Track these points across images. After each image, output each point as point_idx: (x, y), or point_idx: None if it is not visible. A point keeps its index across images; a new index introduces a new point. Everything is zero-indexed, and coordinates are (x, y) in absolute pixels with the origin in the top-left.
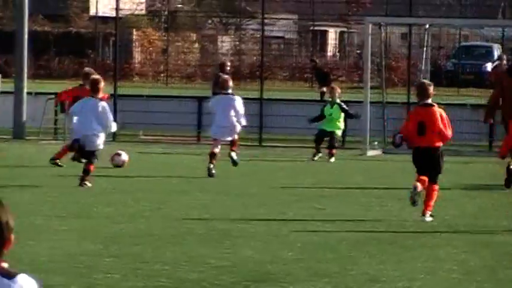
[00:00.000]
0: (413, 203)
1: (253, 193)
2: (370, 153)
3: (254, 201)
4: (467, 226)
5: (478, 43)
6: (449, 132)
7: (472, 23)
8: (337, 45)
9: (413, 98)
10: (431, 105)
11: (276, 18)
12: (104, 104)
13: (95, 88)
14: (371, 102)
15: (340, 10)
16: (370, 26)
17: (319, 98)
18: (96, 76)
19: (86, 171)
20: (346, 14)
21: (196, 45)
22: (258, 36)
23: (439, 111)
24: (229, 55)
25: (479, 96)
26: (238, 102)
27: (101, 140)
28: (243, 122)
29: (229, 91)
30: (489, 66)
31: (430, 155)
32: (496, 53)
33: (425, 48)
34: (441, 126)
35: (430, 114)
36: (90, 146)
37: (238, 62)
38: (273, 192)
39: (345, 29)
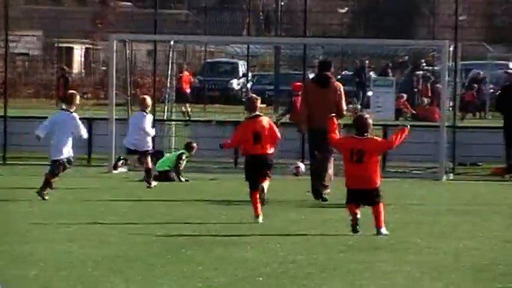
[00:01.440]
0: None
1: None
2: (116, 170)
3: None
4: (212, 242)
5: (224, 60)
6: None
7: (217, 39)
8: (83, 62)
9: (159, 115)
10: (259, 115)
11: (20, 35)
12: None
13: None
14: (116, 119)
15: (86, 27)
16: (115, 42)
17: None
18: None
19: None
20: (92, 31)
21: None
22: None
23: (268, 119)
24: None
25: (225, 113)
26: None
27: None
28: None
29: None
30: (235, 83)
31: (264, 160)
32: (241, 69)
33: (170, 65)
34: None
35: (263, 124)
36: None
37: None
38: (15, 211)
39: (91, 46)
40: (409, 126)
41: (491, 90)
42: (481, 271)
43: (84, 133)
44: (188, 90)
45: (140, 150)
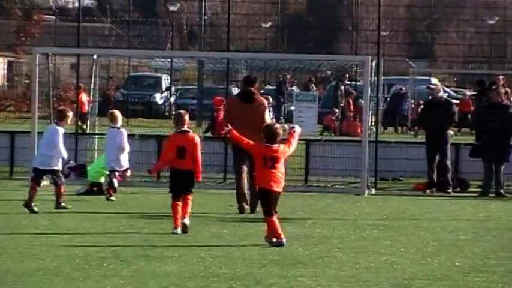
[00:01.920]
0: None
1: None
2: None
3: None
4: (134, 256)
5: (147, 73)
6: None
7: (141, 53)
8: (6, 75)
9: (72, 128)
10: (187, 131)
11: None
12: None
13: None
14: (39, 133)
15: (9, 39)
16: (38, 56)
17: None
18: None
19: None
20: (15, 44)
21: None
22: None
23: (195, 136)
24: None
25: (148, 127)
26: None
27: None
28: None
29: None
30: (158, 97)
31: (188, 176)
32: (164, 83)
33: (93, 79)
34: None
35: (190, 140)
36: None
37: None
38: None
39: (14, 59)
40: (297, 128)
41: (413, 105)
42: (401, 286)
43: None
44: (87, 109)
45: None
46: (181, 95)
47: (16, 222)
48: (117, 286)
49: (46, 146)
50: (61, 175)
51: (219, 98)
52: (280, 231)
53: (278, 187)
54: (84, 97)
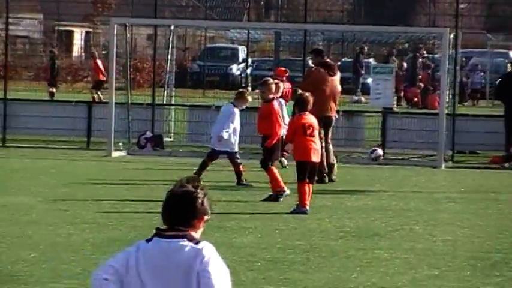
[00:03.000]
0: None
1: None
2: (115, 154)
3: None
4: (210, 228)
5: (224, 45)
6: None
7: (218, 24)
8: (83, 46)
9: (159, 99)
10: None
11: (21, 18)
12: None
13: None
14: (116, 103)
15: (86, 10)
16: (116, 26)
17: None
18: None
19: None
20: (92, 15)
21: None
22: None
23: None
24: None
25: (224, 98)
26: None
27: None
28: None
29: None
30: (234, 68)
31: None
32: (241, 54)
33: (170, 50)
34: None
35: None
36: None
37: None
38: (16, 193)
39: (91, 30)
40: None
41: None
42: (478, 259)
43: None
44: (103, 79)
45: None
46: (257, 66)
47: (93, 193)
48: None
49: (220, 126)
50: (238, 156)
51: (282, 68)
52: (307, 199)
53: (317, 158)
54: (99, 64)
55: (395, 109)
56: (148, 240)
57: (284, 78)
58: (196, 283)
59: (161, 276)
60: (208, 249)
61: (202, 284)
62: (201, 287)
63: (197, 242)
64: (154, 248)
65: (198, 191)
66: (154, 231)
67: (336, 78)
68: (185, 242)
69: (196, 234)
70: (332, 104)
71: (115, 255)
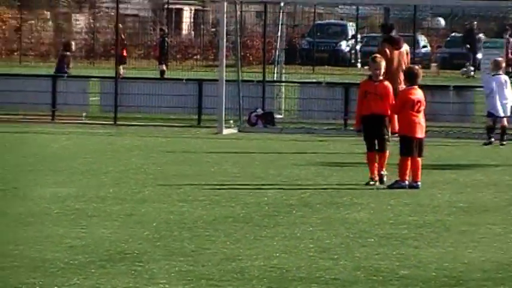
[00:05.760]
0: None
1: (109, 172)
2: (226, 131)
3: (109, 180)
4: (323, 204)
5: (333, 21)
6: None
7: (327, 1)
8: (192, 24)
9: (269, 76)
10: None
11: None
12: None
13: None
14: (226, 81)
15: None
16: (226, 4)
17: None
18: None
19: None
20: None
21: (50, 23)
22: (113, 14)
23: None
24: (83, 33)
25: (334, 74)
26: None
27: None
28: None
29: None
30: (344, 44)
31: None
32: (350, 31)
33: (280, 27)
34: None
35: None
36: None
37: (92, 41)
38: (128, 171)
39: (200, 7)
40: None
41: None
42: None
43: None
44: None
45: None
46: (366, 42)
47: (205, 170)
48: (307, 233)
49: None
50: None
51: None
52: (407, 175)
53: (421, 133)
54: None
55: None
56: None
57: None
58: None
59: None
60: None
61: None
62: None
63: None
64: None
65: None
66: None
67: (402, 51)
68: None
69: None
70: (401, 75)
71: None
